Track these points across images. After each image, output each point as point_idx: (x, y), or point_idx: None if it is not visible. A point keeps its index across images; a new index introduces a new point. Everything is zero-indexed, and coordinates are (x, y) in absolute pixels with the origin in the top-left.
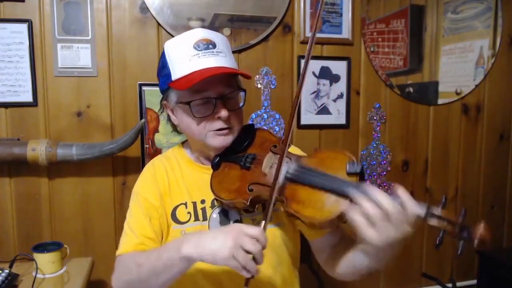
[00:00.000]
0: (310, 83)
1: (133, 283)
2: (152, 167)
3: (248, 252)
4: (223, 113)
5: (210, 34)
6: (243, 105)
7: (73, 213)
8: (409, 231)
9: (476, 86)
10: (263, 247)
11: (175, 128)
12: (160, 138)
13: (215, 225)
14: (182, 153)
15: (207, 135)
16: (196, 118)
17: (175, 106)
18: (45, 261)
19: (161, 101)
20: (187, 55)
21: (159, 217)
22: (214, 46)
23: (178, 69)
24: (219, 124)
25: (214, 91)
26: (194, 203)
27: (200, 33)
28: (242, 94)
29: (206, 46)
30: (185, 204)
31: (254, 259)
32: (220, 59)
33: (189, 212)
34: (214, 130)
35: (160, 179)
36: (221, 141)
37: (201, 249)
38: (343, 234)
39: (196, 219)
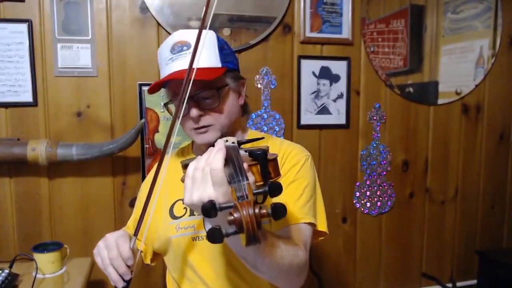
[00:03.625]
0: (310, 83)
1: None
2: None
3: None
4: (192, 112)
5: (187, 35)
6: (218, 105)
7: (73, 213)
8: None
9: (476, 86)
10: (126, 262)
11: None
12: (160, 138)
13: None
14: (189, 148)
15: (191, 133)
16: (179, 118)
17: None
18: (45, 261)
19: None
20: (164, 60)
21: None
22: (189, 47)
23: (161, 75)
24: (193, 124)
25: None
26: None
27: (177, 36)
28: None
29: (180, 48)
30: (182, 200)
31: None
32: (187, 62)
33: (185, 207)
34: (193, 129)
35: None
36: (201, 138)
37: None
38: None
39: (192, 213)
